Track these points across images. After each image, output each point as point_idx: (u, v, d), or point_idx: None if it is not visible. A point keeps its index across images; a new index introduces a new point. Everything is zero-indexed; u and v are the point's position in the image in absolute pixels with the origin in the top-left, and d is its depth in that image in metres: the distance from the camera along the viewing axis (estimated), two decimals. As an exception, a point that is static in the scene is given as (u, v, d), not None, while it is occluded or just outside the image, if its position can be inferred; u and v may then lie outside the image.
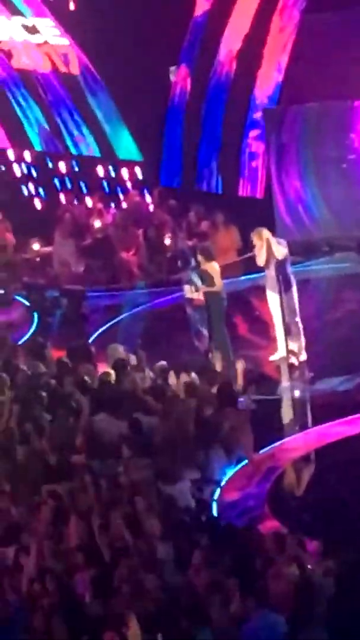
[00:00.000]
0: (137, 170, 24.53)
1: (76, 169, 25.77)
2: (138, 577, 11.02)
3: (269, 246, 17.04)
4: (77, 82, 24.81)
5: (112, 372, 15.86)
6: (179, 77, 24.35)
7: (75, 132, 26.23)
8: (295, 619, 10.56)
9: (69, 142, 26.29)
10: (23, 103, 26.93)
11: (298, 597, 11.07)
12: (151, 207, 23.90)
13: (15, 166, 27.03)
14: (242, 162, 23.50)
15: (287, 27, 22.65)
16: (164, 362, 16.23)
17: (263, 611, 10.60)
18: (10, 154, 26.90)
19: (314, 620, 10.53)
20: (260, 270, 18.06)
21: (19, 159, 26.96)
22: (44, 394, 15.33)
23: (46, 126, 26.53)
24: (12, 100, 26.85)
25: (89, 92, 25.24)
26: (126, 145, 25.23)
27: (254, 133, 23.00)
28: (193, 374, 15.93)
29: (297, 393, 17.17)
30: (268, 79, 23.10)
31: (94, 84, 25.16)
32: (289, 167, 21.72)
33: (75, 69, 24.64)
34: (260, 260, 16.85)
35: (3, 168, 27.12)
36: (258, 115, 22.58)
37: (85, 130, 25.72)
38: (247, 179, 23.36)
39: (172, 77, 24.07)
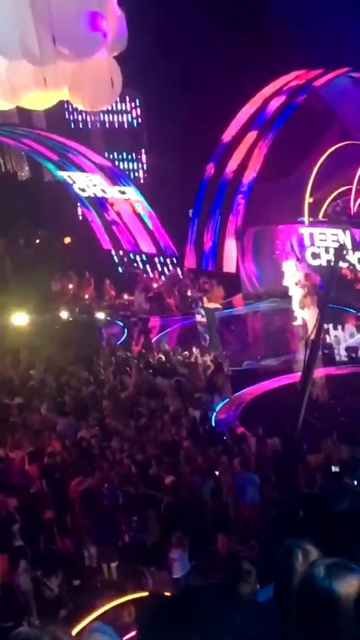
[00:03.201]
0: (174, 260, 32.65)
1: (144, 257, 33.66)
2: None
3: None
4: (142, 218, 32.82)
5: (163, 356, 24.47)
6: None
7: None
8: (263, 477, 15.70)
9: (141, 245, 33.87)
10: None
11: (260, 463, 16.48)
12: (181, 277, 32.03)
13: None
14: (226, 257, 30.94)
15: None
16: (186, 352, 24.51)
17: (245, 472, 15.96)
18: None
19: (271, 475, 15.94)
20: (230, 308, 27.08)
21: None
22: (128, 368, 23.12)
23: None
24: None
25: (149, 221, 33.11)
26: (168, 247, 33.03)
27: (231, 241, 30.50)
28: (206, 356, 24.25)
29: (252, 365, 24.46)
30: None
31: (152, 218, 32.79)
32: (247, 258, 29.87)
33: (144, 210, 32.61)
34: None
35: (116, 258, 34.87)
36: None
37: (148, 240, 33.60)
38: (228, 264, 30.94)
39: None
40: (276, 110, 29.87)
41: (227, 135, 30.41)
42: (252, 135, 30.15)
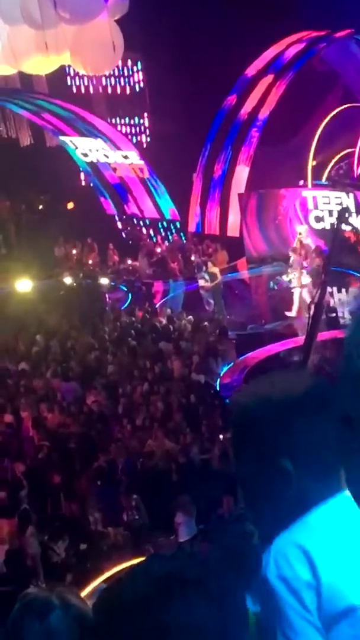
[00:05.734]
0: (177, 224, 32.84)
1: (147, 222, 33.97)
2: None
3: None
4: (146, 182, 33.29)
5: (167, 320, 24.67)
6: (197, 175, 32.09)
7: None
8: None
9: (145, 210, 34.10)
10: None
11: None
12: (184, 242, 32.26)
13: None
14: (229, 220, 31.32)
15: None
16: (191, 316, 25.01)
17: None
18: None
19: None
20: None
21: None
22: (133, 332, 23.51)
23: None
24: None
25: (152, 186, 33.42)
26: (172, 213, 33.29)
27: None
28: (206, 323, 24.60)
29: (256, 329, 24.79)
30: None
31: (155, 182, 33.13)
32: (251, 223, 29.63)
33: (147, 175, 32.97)
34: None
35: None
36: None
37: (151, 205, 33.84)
38: (231, 227, 31.23)
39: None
40: (293, 57, 30.11)
41: (252, 70, 30.62)
42: (269, 77, 30.43)
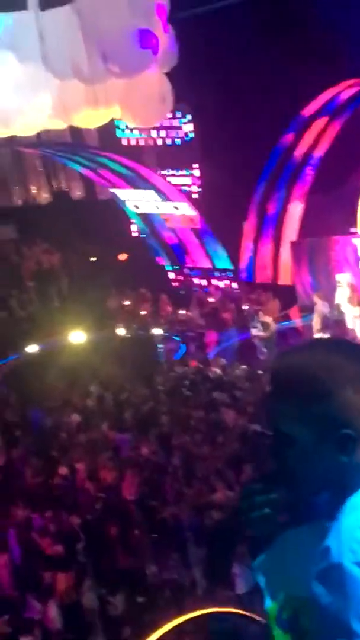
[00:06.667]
0: (229, 274, 33.09)
1: (200, 272, 34.13)
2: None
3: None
4: (197, 232, 33.56)
5: (220, 370, 24.98)
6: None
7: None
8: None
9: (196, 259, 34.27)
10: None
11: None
12: (237, 291, 32.45)
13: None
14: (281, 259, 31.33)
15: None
16: (245, 366, 25.25)
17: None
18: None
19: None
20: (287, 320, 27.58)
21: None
22: (187, 382, 23.72)
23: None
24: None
25: (203, 236, 33.80)
26: (224, 261, 33.60)
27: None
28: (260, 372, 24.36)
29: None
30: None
31: (207, 232, 33.43)
32: (303, 270, 29.71)
33: (198, 225, 33.24)
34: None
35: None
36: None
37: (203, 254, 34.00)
38: (284, 267, 31.25)
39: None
40: (349, 99, 30.29)
41: (308, 111, 30.84)
42: (324, 119, 30.70)
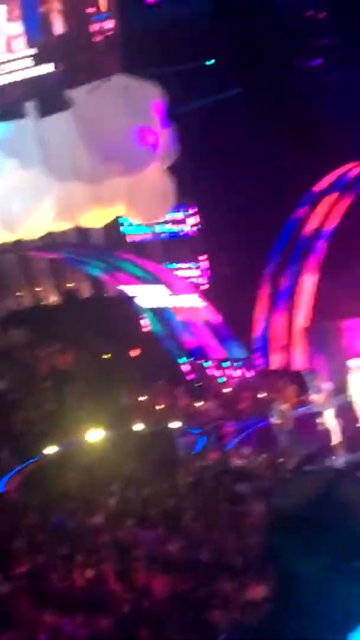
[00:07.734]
0: (243, 363, 33.19)
1: (214, 363, 34.27)
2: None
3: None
4: (209, 323, 33.50)
5: (241, 461, 24.96)
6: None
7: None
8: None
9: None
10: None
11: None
12: (251, 379, 32.72)
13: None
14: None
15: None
16: (266, 454, 25.07)
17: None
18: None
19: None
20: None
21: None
22: (209, 475, 23.31)
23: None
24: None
25: (215, 327, 33.71)
26: (237, 350, 33.79)
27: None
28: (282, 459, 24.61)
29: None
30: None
31: (218, 323, 33.50)
32: (317, 355, 29.73)
33: (209, 316, 33.23)
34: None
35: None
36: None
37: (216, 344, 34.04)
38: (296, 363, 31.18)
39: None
40: (357, 176, 30.53)
41: (318, 187, 30.91)
42: (333, 195, 30.80)
